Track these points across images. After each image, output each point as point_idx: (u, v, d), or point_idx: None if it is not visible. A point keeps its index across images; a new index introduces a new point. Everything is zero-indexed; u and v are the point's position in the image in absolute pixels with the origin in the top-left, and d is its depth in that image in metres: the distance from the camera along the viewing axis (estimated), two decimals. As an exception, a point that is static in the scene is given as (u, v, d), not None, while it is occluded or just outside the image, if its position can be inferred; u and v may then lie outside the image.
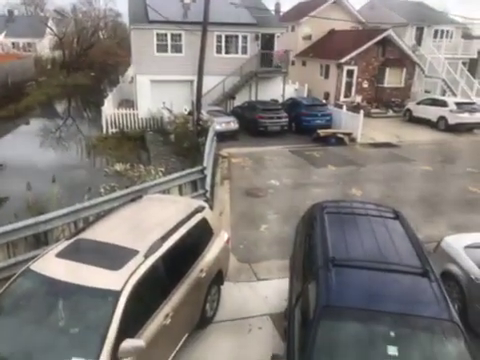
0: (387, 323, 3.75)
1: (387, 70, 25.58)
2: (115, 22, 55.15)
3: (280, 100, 22.38)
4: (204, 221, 5.92)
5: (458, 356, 3.63)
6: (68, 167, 15.61)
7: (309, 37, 30.77)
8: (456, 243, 6.45)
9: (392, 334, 3.69)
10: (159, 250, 4.70)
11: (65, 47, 46.10)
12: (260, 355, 5.13)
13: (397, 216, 5.61)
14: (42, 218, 6.82)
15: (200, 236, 5.77)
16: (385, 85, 25.81)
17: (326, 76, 26.79)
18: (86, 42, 47.20)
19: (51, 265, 4.43)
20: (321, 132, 17.72)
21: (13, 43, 49.39)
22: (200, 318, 5.59)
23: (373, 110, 24.21)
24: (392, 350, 3.57)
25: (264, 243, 8.52)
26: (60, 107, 33.17)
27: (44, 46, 49.76)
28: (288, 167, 14.12)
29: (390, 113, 24.59)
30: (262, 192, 11.61)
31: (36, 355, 3.68)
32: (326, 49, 27.54)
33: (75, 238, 4.88)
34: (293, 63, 29.61)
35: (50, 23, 50.70)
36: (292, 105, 20.14)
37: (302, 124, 18.92)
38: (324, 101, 22.70)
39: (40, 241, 6.92)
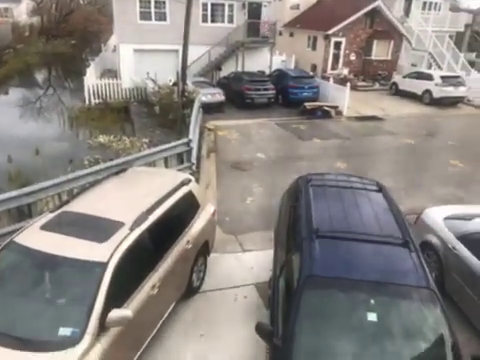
0: (367, 291, 3.89)
1: (375, 42, 25.38)
2: (96, -13, 52.60)
3: (267, 71, 22.08)
4: (190, 194, 5.92)
5: (434, 322, 3.81)
6: (50, 139, 15.28)
7: (297, 7, 30.08)
8: (436, 215, 6.64)
9: (372, 302, 3.84)
10: (145, 222, 4.71)
11: (43, 13, 43.98)
12: (245, 322, 5.28)
13: (380, 189, 5.72)
14: (26, 190, 6.71)
15: (186, 209, 5.79)
16: (372, 58, 25.67)
17: (313, 48, 26.42)
18: (66, 7, 45.02)
19: (36, 237, 4.40)
20: (308, 105, 17.64)
21: (-13, 7, 46.87)
22: (187, 288, 5.70)
23: (360, 83, 24.12)
24: (372, 316, 3.72)
25: (250, 215, 8.62)
26: (40, 76, 31.99)
27: (21, 11, 47.32)
28: (274, 140, 14.11)
29: (377, 86, 24.58)
30: (248, 165, 11.63)
31: (23, 326, 3.71)
32: (314, 20, 27.01)
33: (60, 211, 4.84)
34: (280, 34, 29.03)
35: (26, -14, 48.10)
36: (279, 77, 19.89)
37: (289, 96, 18.76)
38: (311, 73, 22.50)
39: (24, 214, 6.84)
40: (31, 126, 17.58)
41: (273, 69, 21.93)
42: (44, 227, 4.52)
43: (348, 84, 18.44)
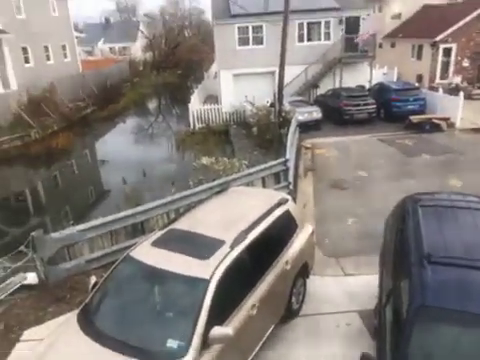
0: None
1: (493, 45, 22.69)
2: (199, 20, 57.22)
3: (367, 86, 21.24)
4: (288, 213, 5.89)
5: None
6: (160, 161, 16.78)
7: (398, 16, 28.62)
8: None
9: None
10: (244, 241, 4.80)
11: (155, 48, 49.29)
12: (348, 352, 4.98)
13: (506, 211, 4.97)
14: (139, 209, 7.44)
15: (284, 228, 5.76)
16: (490, 62, 22.95)
17: (419, 57, 24.69)
18: (173, 42, 49.85)
19: (147, 253, 4.79)
20: (414, 118, 16.42)
21: (110, 48, 54.26)
22: (286, 310, 5.61)
23: (475, 91, 21.68)
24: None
25: (351, 237, 8.22)
26: (151, 105, 35.65)
27: (137, 49, 53.80)
28: (377, 157, 13.36)
29: (496, 94, 21.83)
30: (348, 184, 11.18)
31: (137, 335, 4.01)
32: (418, 27, 25.34)
33: (168, 228, 5.22)
34: (381, 46, 27.85)
35: (141, 27, 54.59)
36: (380, 90, 18.97)
37: (392, 110, 17.72)
38: (416, 84, 20.96)
39: (137, 230, 7.56)
40: (144, 150, 19.56)
41: (374, 83, 21.01)
42: (154, 243, 4.91)
43: (461, 93, 16.71)
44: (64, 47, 29.01)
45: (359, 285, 6.49)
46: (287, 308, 5.62)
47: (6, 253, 7.15)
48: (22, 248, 6.79)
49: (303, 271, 6.00)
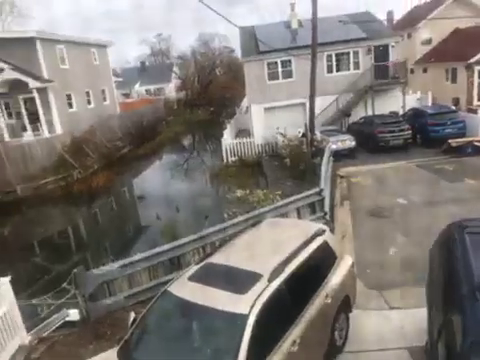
0: None
1: None
2: (229, 58, 59.34)
3: (400, 112, 20.93)
4: (326, 244, 5.75)
5: None
6: (195, 195, 17.02)
7: (429, 41, 28.42)
8: None
9: None
10: (282, 274, 4.70)
11: (187, 87, 51.31)
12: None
13: None
14: (176, 244, 7.51)
15: (323, 260, 5.60)
16: None
17: (453, 80, 24.19)
18: (205, 80, 51.75)
19: (184, 287, 4.79)
20: (453, 142, 15.88)
21: (146, 90, 57.09)
22: (329, 347, 5.35)
23: (517, 111, 20.76)
24: None
25: (394, 268, 7.84)
26: (186, 141, 36.73)
27: (171, 89, 56.29)
28: (416, 183, 12.91)
29: None
30: (387, 212, 10.81)
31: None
32: (451, 51, 24.98)
33: (204, 262, 5.21)
34: (412, 71, 27.60)
35: (175, 68, 57.32)
36: (415, 115, 18.62)
37: (429, 135, 17.27)
38: (453, 108, 20.41)
39: (175, 265, 7.59)
40: (179, 185, 19.98)
41: (407, 109, 20.68)
42: (191, 278, 4.90)
43: (502, 114, 16.08)
44: (104, 91, 30.84)
45: (406, 319, 6.12)
46: (330, 344, 5.36)
47: (50, 290, 7.36)
48: (65, 285, 6.97)
49: (345, 305, 5.75)
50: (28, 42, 22.05)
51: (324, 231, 5.95)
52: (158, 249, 7.40)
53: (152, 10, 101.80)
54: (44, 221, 16.99)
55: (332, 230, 8.78)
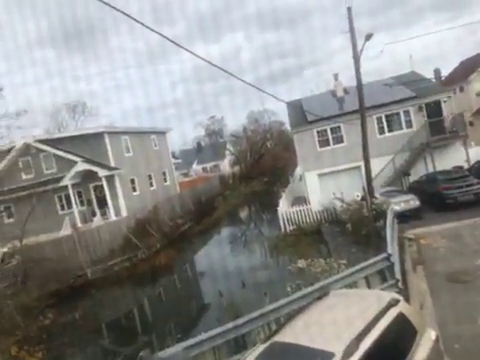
0: None
1: None
2: (279, 130, 61.53)
3: (465, 166, 19.82)
4: (402, 316, 5.20)
5: None
6: (256, 268, 16.71)
7: (483, 92, 27.63)
8: None
9: None
10: (357, 352, 4.27)
11: (241, 162, 53.40)
12: None
13: None
14: (240, 322, 7.23)
15: (400, 335, 5.03)
16: None
17: (518, 127, 22.81)
18: (257, 153, 53.69)
19: (252, 372, 4.50)
20: None
21: (203, 168, 60.24)
22: None
23: None
24: None
25: (487, 341, 6.84)
26: (243, 214, 37.18)
27: (225, 165, 58.90)
28: (496, 241, 11.70)
29: None
30: (469, 276, 9.72)
31: None
32: (509, 98, 23.96)
33: (270, 341, 4.92)
34: (471, 124, 26.55)
35: (228, 145, 60.41)
36: (483, 168, 17.48)
37: (502, 187, 15.95)
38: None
39: (239, 344, 7.25)
40: (239, 259, 19.83)
41: (472, 162, 19.56)
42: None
43: None
44: (164, 173, 32.94)
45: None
46: None
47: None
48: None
49: (434, 388, 5.02)
50: (98, 136, 24.82)
51: (398, 301, 5.43)
52: (221, 328, 7.14)
53: (206, 96, 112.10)
54: (111, 303, 17.44)
55: (407, 299, 8.03)
